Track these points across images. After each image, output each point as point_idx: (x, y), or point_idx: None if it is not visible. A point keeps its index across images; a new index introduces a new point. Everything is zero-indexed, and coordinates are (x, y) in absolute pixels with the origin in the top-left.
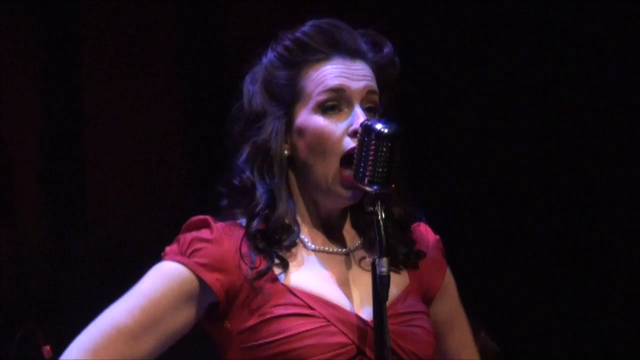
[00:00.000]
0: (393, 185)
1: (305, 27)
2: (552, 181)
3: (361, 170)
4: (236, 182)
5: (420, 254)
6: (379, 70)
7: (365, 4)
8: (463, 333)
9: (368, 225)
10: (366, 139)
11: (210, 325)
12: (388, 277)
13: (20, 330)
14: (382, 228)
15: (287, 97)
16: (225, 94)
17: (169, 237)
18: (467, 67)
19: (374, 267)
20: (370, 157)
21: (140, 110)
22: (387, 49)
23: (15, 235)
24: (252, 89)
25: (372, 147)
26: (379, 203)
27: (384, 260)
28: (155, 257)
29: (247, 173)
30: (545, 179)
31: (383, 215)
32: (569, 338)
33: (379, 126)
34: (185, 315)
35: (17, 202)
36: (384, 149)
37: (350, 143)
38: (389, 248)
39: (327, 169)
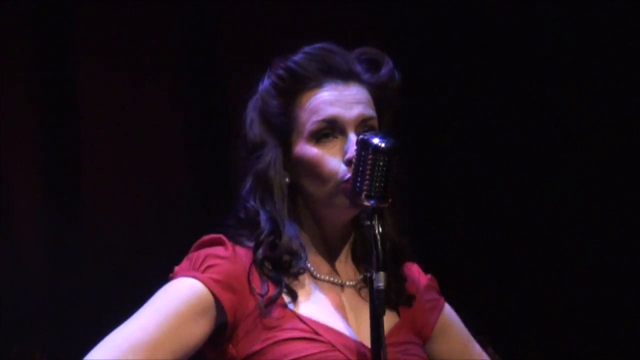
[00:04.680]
0: (390, 200)
1: (297, 56)
2: (552, 189)
3: (358, 184)
4: (242, 214)
5: (412, 297)
6: (377, 90)
7: (357, 18)
8: None
9: (367, 255)
10: (363, 153)
11: (212, 349)
12: (385, 291)
13: (15, 348)
14: (379, 243)
15: (283, 126)
16: (223, 104)
17: (168, 248)
18: (463, 77)
19: (370, 281)
20: (367, 172)
21: (138, 118)
22: (385, 67)
23: (10, 248)
24: (251, 117)
25: (369, 162)
26: (376, 217)
27: (381, 274)
28: (158, 269)
29: (251, 202)
30: (544, 186)
31: (380, 230)
32: (572, 348)
33: (376, 140)
34: (200, 331)
35: (13, 212)
36: (381, 164)
37: (346, 172)
38: (385, 265)
39: (327, 191)
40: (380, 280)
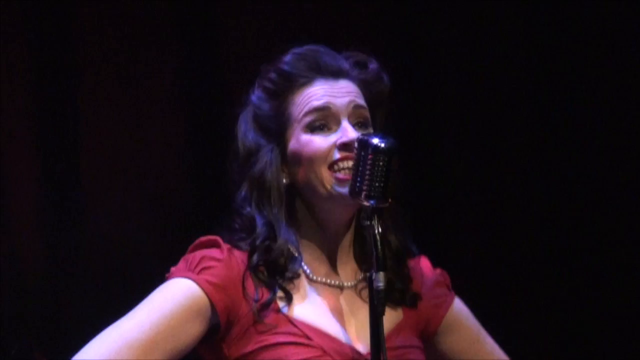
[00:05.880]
0: (389, 200)
1: (287, 57)
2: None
3: (358, 184)
4: (237, 225)
5: (416, 297)
6: (366, 87)
7: (357, 17)
8: None
9: (367, 256)
10: (362, 153)
11: (206, 348)
12: (384, 291)
13: (15, 346)
14: (378, 243)
15: (277, 126)
16: (225, 100)
17: (169, 246)
18: (462, 74)
19: (370, 281)
20: (367, 172)
21: (138, 114)
22: (372, 65)
23: (8, 245)
24: (244, 128)
25: (369, 162)
26: (376, 217)
27: (381, 274)
28: (156, 269)
29: (247, 209)
30: (546, 187)
31: (380, 230)
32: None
33: (375, 140)
34: (194, 331)
35: (11, 211)
36: (381, 164)
37: (337, 154)
38: (385, 264)
39: (321, 176)
40: (380, 280)
